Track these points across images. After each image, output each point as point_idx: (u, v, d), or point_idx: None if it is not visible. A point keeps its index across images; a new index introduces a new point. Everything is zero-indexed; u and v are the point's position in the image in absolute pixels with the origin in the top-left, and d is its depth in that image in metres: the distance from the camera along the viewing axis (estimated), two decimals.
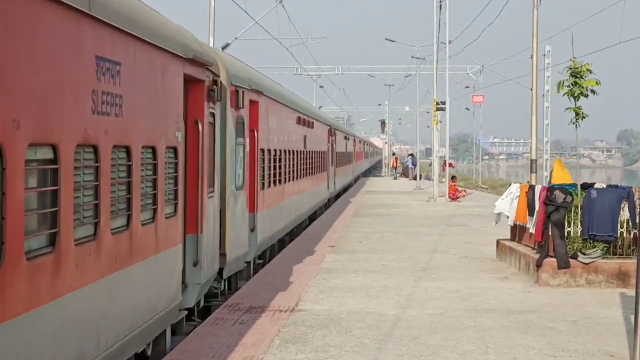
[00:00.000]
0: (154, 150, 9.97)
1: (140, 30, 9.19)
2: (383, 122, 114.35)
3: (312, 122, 31.62)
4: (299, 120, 27.22)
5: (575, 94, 19.11)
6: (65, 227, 7.21)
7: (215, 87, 13.42)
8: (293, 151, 25.47)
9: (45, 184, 7.02)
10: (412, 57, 67.71)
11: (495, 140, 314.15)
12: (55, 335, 7.13)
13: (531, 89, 25.90)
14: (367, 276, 18.22)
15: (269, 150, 20.35)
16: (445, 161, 50.77)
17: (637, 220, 16.99)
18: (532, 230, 18.50)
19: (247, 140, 17.30)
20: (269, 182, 20.41)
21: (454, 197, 45.79)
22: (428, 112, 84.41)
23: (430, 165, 64.25)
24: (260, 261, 20.31)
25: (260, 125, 18.60)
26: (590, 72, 19.12)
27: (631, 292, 14.50)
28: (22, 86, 6.37)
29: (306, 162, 29.61)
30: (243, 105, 16.35)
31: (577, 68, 19.16)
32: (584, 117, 19.42)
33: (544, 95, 43.61)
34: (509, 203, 20.31)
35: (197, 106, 12.61)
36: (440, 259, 21.24)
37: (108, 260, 8.36)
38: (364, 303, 15.14)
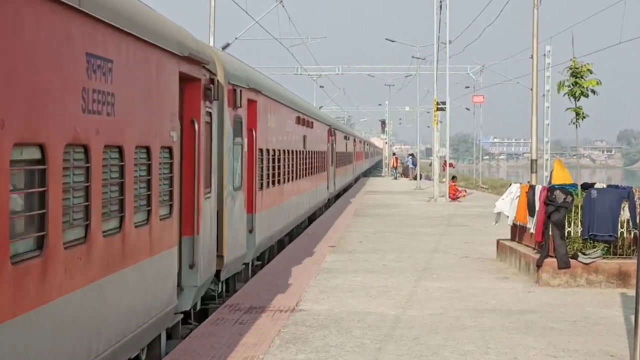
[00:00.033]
0: (148, 150, 9.71)
1: (134, 27, 8.95)
2: (383, 122, 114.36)
3: (312, 122, 31.49)
4: (298, 120, 27.06)
5: (576, 94, 19.04)
6: (53, 230, 6.97)
7: (212, 85, 13.18)
8: (292, 151, 25.30)
9: (32, 185, 6.78)
10: (413, 57, 67.64)
11: (496, 140, 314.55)
12: (44, 342, 6.91)
13: (531, 89, 25.94)
14: (367, 276, 18.20)
15: (268, 150, 20.18)
16: (445, 161, 50.79)
17: (638, 221, 16.97)
18: (532, 230, 18.48)
19: (245, 140, 17.11)
20: (268, 182, 20.23)
21: (454, 197, 45.80)
22: (428, 112, 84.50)
23: (430, 165, 64.21)
24: (259, 263, 20.12)
25: (258, 125, 18.43)
26: (591, 72, 19.06)
27: (631, 292, 14.58)
28: (6, 83, 6.15)
29: (305, 162, 29.46)
30: (241, 104, 16.16)
31: (577, 68, 19.10)
32: (584, 117, 19.35)
33: (544, 95, 43.63)
34: (509, 203, 20.30)
35: (193, 105, 12.37)
36: (441, 259, 21.22)
37: (99, 263, 8.12)
38: (365, 303, 15.11)
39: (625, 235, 17.25)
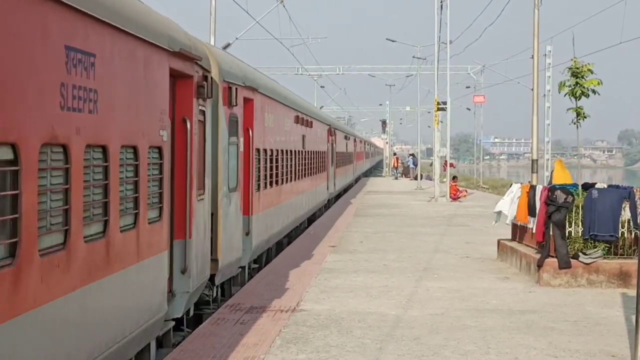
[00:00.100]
0: (135, 150, 9.25)
1: (119, 19, 8.48)
2: (384, 122, 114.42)
3: (311, 122, 31.22)
4: (297, 120, 26.77)
5: (577, 94, 18.98)
6: (27, 236, 6.48)
7: (205, 83, 12.71)
8: (291, 151, 25.01)
9: (4, 187, 6.31)
10: (413, 57, 67.63)
11: (496, 140, 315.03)
12: (17, 356, 6.42)
13: (532, 89, 25.88)
14: (368, 276, 18.30)
15: (265, 150, 19.86)
16: (446, 161, 50.91)
17: (638, 221, 17.05)
18: (533, 230, 18.49)
19: (241, 139, 16.74)
20: (265, 183, 19.91)
21: (455, 197, 45.83)
22: (429, 112, 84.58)
23: (431, 165, 64.16)
24: (256, 266, 19.80)
25: (255, 124, 18.10)
26: (592, 72, 19.11)
27: (632, 292, 14.74)
28: None
29: (304, 163, 29.18)
30: (236, 102, 15.80)
31: (578, 68, 19.15)
32: (585, 117, 19.42)
33: (545, 95, 43.67)
34: (509, 202, 20.41)
35: (185, 103, 11.96)
36: (442, 259, 21.33)
37: (81, 271, 7.63)
38: (365, 303, 15.14)
39: (626, 235, 17.37)
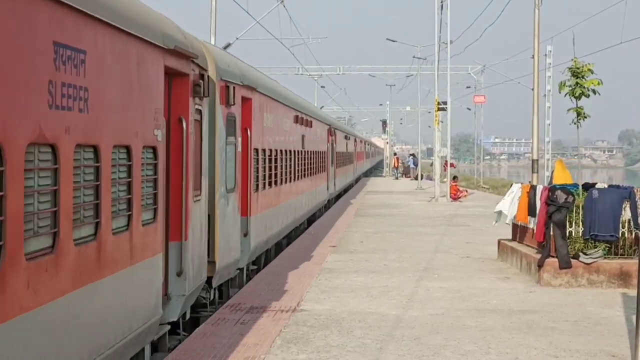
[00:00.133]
0: (128, 150, 9.01)
1: (111, 15, 8.22)
2: (384, 122, 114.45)
3: (311, 121, 31.08)
4: (297, 119, 26.62)
5: (577, 94, 18.93)
6: (12, 239, 6.23)
7: (202, 81, 12.46)
8: (290, 151, 24.85)
9: None
10: (414, 57, 67.51)
11: (497, 140, 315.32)
12: None
13: (532, 89, 25.83)
14: (368, 276, 18.32)
15: (264, 150, 19.69)
16: (446, 161, 50.92)
17: (639, 221, 17.03)
18: (534, 230, 18.48)
19: (239, 139, 16.55)
20: (264, 183, 19.74)
21: (455, 197, 45.80)
22: (429, 112, 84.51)
23: (431, 165, 64.16)
24: (255, 267, 19.61)
25: (253, 124, 17.91)
26: (592, 72, 19.09)
27: (633, 292, 14.74)
28: None
29: (304, 163, 29.03)
30: (234, 102, 15.60)
31: (578, 68, 19.13)
32: (585, 117, 19.39)
33: (545, 95, 43.62)
34: (509, 202, 20.43)
35: (180, 102, 11.73)
36: (442, 259, 21.35)
37: (70, 275, 7.39)
38: (366, 303, 15.14)
39: (626, 235, 17.41)
